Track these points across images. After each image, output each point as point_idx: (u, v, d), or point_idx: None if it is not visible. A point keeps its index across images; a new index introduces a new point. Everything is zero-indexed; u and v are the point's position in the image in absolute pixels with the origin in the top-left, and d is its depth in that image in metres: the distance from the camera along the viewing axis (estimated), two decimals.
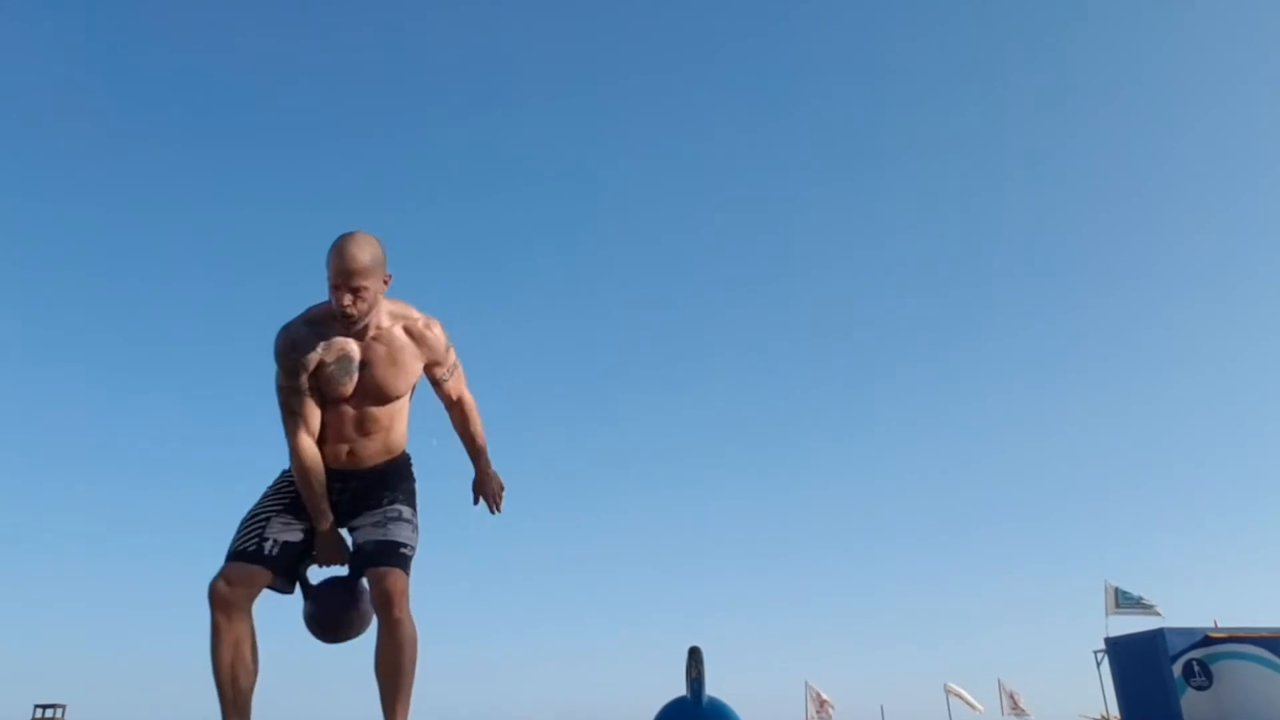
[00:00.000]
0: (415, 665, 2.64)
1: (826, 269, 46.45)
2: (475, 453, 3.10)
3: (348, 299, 2.60)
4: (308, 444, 2.71)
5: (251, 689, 2.59)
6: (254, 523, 2.72)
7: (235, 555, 2.65)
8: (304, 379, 2.69)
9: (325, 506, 2.75)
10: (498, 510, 3.08)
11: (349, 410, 2.77)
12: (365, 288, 2.61)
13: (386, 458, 2.89)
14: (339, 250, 2.59)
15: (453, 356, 2.95)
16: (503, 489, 3.11)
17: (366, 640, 2.69)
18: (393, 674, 2.60)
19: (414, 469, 2.99)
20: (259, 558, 2.64)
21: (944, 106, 46.65)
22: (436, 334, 2.85)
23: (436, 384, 2.98)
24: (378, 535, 2.73)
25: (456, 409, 3.06)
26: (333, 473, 2.80)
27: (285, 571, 2.70)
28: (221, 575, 2.59)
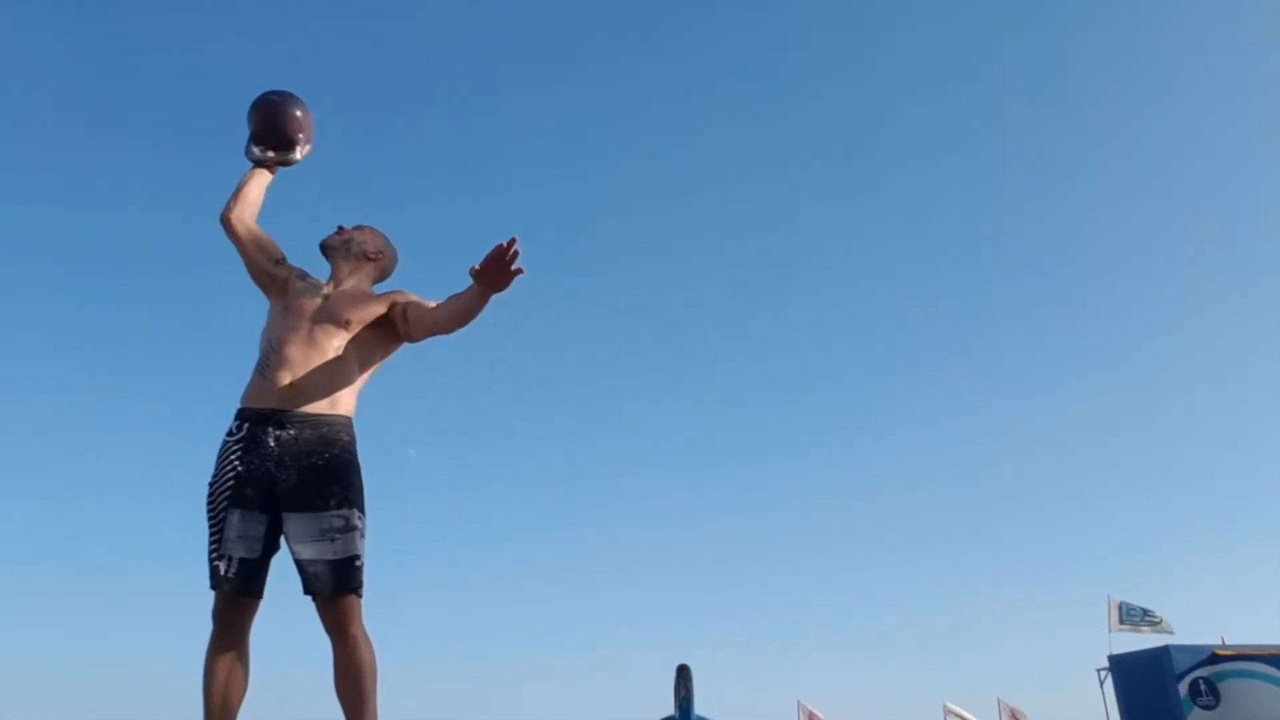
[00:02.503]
0: (376, 682, 2.62)
1: (825, 270, 46.53)
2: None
3: (334, 231, 3.09)
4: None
5: (238, 707, 2.60)
6: (212, 530, 2.66)
7: (211, 574, 2.63)
8: (280, 261, 3.04)
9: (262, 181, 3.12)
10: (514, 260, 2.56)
11: (304, 327, 2.83)
12: (361, 227, 3.11)
13: (329, 409, 2.76)
14: None
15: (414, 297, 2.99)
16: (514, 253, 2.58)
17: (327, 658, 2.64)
18: (355, 694, 2.58)
19: (358, 453, 2.81)
20: (218, 580, 2.61)
21: (944, 106, 46.85)
22: (402, 290, 3.03)
23: (412, 310, 2.90)
24: (326, 554, 2.61)
25: (443, 308, 2.83)
26: (272, 416, 2.71)
27: (250, 587, 2.64)
28: (223, 592, 2.61)
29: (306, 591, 2.63)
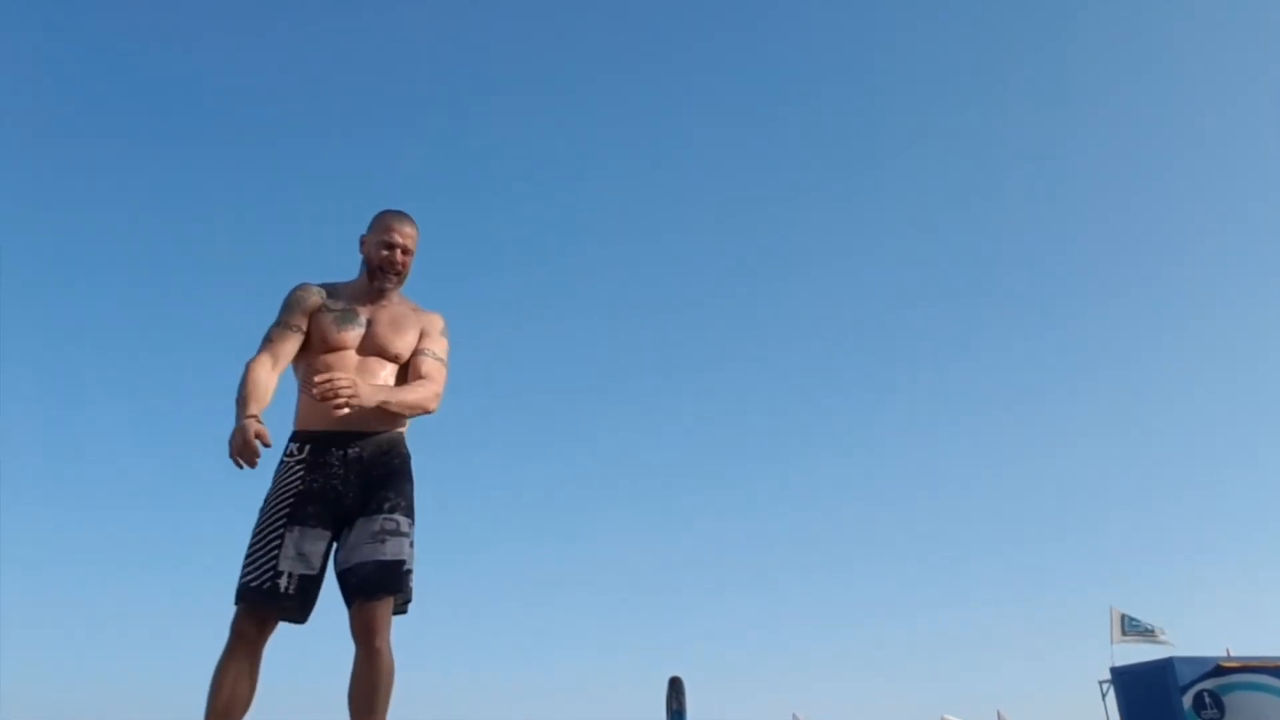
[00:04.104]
0: (390, 699, 2.66)
1: (824, 271, 46.49)
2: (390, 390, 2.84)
3: (400, 256, 2.99)
4: (265, 363, 2.80)
5: None
6: (267, 546, 2.69)
7: (252, 593, 2.63)
8: (297, 318, 2.90)
9: (254, 411, 2.66)
10: (327, 392, 2.60)
11: (352, 358, 2.88)
12: (412, 253, 3.04)
13: (389, 426, 2.88)
14: (401, 213, 3.06)
15: (444, 344, 3.06)
16: (353, 394, 2.65)
17: (343, 666, 2.67)
18: (369, 707, 2.62)
19: (412, 465, 2.93)
20: (275, 597, 2.62)
21: (944, 106, 46.96)
22: (439, 318, 3.10)
23: (416, 355, 2.99)
24: (376, 555, 2.69)
25: (414, 377, 2.94)
26: (335, 437, 2.79)
27: (305, 605, 2.69)
28: (250, 612, 2.62)
29: (351, 598, 2.66)
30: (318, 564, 2.69)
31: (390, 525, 2.73)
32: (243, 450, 2.56)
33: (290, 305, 2.93)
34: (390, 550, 2.70)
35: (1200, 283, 43.37)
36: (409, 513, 2.81)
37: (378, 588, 2.66)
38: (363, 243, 3.05)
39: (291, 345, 2.86)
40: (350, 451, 2.78)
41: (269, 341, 2.85)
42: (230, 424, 2.65)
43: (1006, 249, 44.64)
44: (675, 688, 5.75)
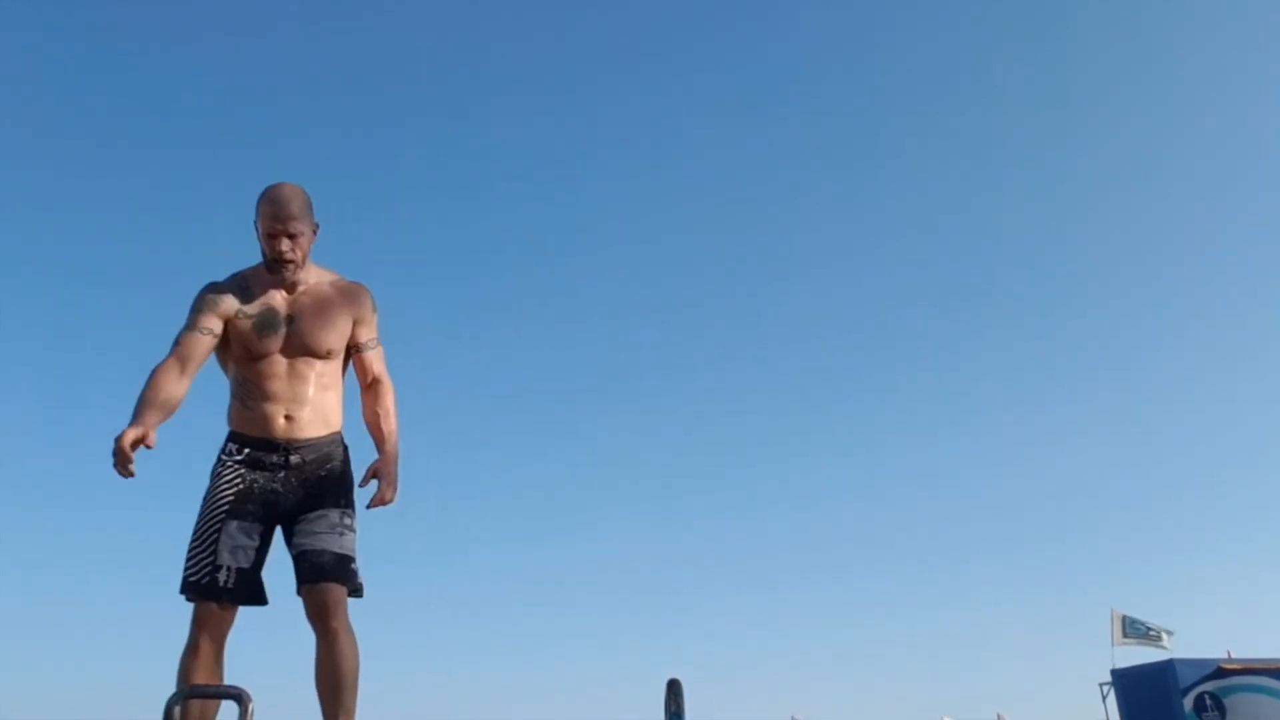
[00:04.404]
0: (357, 680, 2.65)
1: (824, 271, 46.46)
2: (382, 439, 2.89)
3: (285, 244, 2.77)
4: (171, 369, 2.68)
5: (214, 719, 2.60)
6: (206, 541, 2.68)
7: (193, 586, 2.63)
8: (207, 320, 2.77)
9: (147, 418, 2.56)
10: (379, 504, 2.79)
11: (280, 363, 2.79)
12: (301, 233, 2.80)
13: (326, 431, 2.86)
14: (272, 197, 2.79)
15: (376, 324, 3.00)
16: (394, 493, 2.81)
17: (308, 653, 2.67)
18: (335, 689, 2.61)
19: (350, 459, 2.92)
20: (215, 590, 2.62)
21: (942, 105, 46.94)
22: (365, 293, 2.98)
23: (356, 352, 2.95)
24: (334, 546, 2.72)
25: (371, 391, 2.95)
26: (276, 445, 2.77)
27: (249, 595, 2.69)
28: (202, 604, 2.61)
29: (304, 582, 2.67)
30: (254, 558, 2.70)
31: (346, 521, 2.79)
32: (114, 457, 2.48)
33: (199, 308, 2.79)
34: (346, 545, 2.75)
35: (1200, 283, 43.37)
36: (352, 506, 2.84)
37: (335, 575, 2.69)
38: (255, 230, 2.84)
39: (202, 349, 2.75)
40: (292, 458, 2.77)
41: (177, 345, 2.73)
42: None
43: (1006, 249, 44.64)
44: (673, 690, 5.73)
